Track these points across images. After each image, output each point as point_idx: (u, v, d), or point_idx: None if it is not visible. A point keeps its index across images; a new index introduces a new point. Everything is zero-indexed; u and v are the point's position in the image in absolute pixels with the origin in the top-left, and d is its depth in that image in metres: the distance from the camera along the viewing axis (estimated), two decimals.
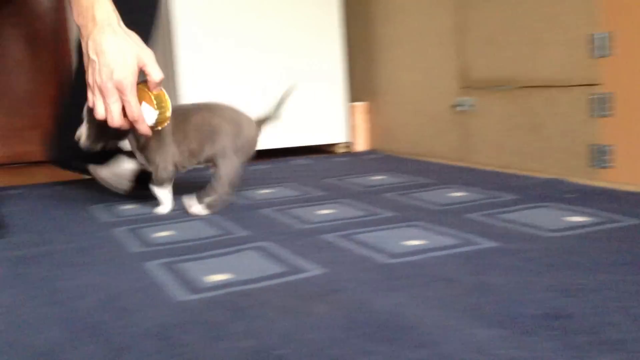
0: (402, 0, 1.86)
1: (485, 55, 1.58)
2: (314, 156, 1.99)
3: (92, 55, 1.00)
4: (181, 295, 0.72)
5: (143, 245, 0.96)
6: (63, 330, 0.62)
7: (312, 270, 0.79)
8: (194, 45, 1.85)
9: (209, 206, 1.17)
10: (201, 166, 1.22)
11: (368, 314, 0.63)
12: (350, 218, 1.09)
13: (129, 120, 1.03)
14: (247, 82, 1.93)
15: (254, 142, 1.22)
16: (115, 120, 1.01)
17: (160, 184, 1.18)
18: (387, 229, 1.00)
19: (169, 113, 1.09)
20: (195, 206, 1.17)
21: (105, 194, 1.41)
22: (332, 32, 2.00)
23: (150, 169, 1.18)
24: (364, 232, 0.98)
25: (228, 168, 1.17)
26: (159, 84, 1.06)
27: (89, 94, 1.03)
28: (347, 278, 0.75)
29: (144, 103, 1.05)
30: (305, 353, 0.55)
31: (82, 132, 1.11)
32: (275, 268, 0.81)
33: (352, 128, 2.10)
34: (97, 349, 0.58)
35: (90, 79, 1.01)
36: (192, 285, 0.75)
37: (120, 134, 1.11)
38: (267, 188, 1.43)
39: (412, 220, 1.05)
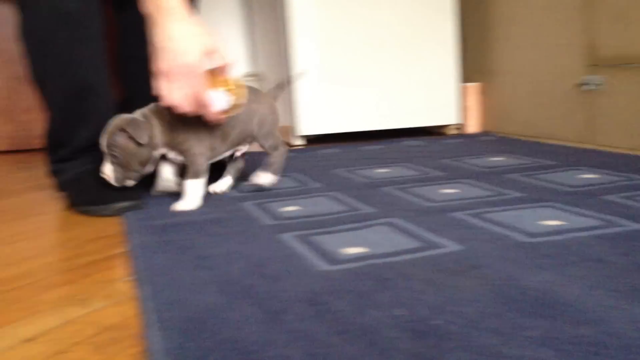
0: None
1: (615, 31, 1.49)
2: (425, 138, 1.96)
3: (161, 42, 1.00)
4: (322, 265, 0.73)
5: (273, 218, 0.99)
6: (218, 293, 0.65)
7: (449, 246, 0.78)
8: (305, 20, 1.86)
9: (275, 172, 1.20)
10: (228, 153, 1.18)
11: (518, 290, 0.62)
12: (477, 197, 1.07)
13: (197, 106, 1.02)
14: (358, 59, 1.92)
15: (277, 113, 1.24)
16: (185, 106, 1.01)
17: (197, 174, 1.08)
18: (519, 208, 0.97)
19: (243, 100, 1.08)
20: (263, 176, 1.20)
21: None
22: (445, 10, 1.96)
23: (186, 160, 1.09)
24: (495, 211, 0.96)
25: (275, 140, 1.20)
26: (228, 69, 1.05)
27: (157, 82, 1.02)
28: (487, 255, 0.74)
29: (218, 89, 1.03)
30: (463, 324, 0.55)
31: (108, 171, 1.05)
32: (410, 243, 0.81)
33: (463, 109, 2.05)
34: (254, 311, 0.60)
35: (158, 66, 1.01)
36: (330, 257, 0.76)
37: (144, 160, 1.06)
38: (383, 167, 1.43)
39: (544, 201, 1.01)
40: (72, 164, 1.18)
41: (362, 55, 1.91)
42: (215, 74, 1.04)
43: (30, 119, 2.24)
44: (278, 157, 1.20)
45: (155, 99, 1.06)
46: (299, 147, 1.89)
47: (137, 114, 1.06)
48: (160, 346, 0.53)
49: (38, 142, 2.25)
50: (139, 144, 1.02)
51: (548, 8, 1.69)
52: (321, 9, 1.86)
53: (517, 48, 1.84)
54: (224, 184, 1.22)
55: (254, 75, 2.28)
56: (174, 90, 1.00)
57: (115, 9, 1.35)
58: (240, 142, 1.18)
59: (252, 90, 1.18)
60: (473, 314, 0.57)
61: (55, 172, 1.21)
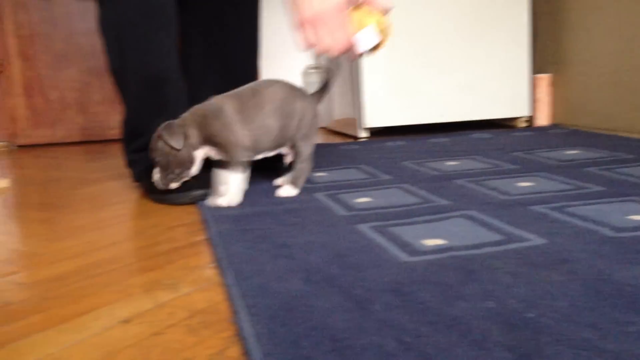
0: None
1: None
2: (492, 130, 1.92)
3: None
4: (404, 256, 0.73)
5: (347, 209, 0.99)
6: (302, 281, 0.66)
7: (533, 240, 0.77)
8: None
9: (295, 185, 1.11)
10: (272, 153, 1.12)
11: (612, 285, 0.60)
12: (556, 191, 1.04)
13: (347, 47, 1.02)
14: (426, 50, 1.90)
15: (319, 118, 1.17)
16: (336, 49, 1.01)
17: (236, 167, 1.04)
18: (602, 203, 0.94)
19: (388, 36, 1.05)
20: (284, 188, 1.11)
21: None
22: (519, 3, 1.91)
23: (227, 155, 1.04)
24: (576, 205, 0.93)
25: (309, 149, 1.12)
26: (372, 5, 1.03)
27: (303, 32, 1.01)
28: (574, 249, 0.72)
29: (365, 27, 1.02)
30: (557, 318, 0.53)
31: (155, 175, 1.06)
32: (491, 236, 0.79)
33: (534, 101, 2.00)
34: (340, 300, 0.60)
35: (303, 16, 1.00)
36: (410, 248, 0.76)
37: (184, 161, 1.04)
38: (452, 160, 1.41)
39: (627, 195, 0.98)
40: (147, 154, 1.21)
41: (430, 46, 1.89)
42: (360, 11, 1.02)
43: (102, 111, 2.32)
44: (304, 169, 1.12)
45: (208, 95, 1.08)
46: (363, 140, 1.88)
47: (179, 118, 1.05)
48: (252, 331, 0.54)
49: (109, 133, 2.32)
50: (175, 148, 1.01)
51: None
52: None
53: (593, 37, 1.78)
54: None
55: (317, 67, 2.28)
56: (323, 36, 1.00)
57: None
58: (283, 142, 1.11)
59: (296, 89, 1.13)
60: (567, 308, 0.56)
61: (131, 163, 1.24)
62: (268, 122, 1.06)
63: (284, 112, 1.08)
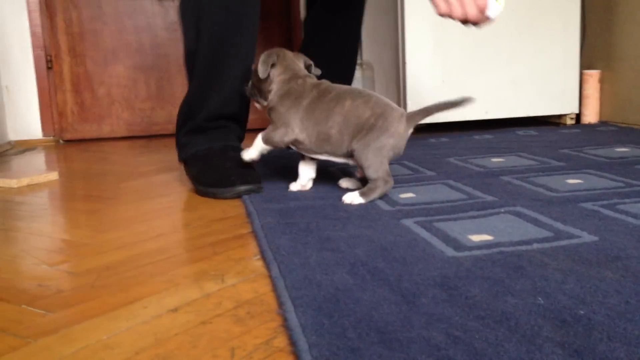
0: None
1: None
2: (537, 127, 1.88)
3: None
4: (450, 251, 0.72)
5: (390, 204, 0.98)
6: (348, 274, 0.66)
7: (583, 237, 0.75)
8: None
9: (362, 194, 1.00)
10: (339, 161, 1.05)
11: None
12: (605, 188, 1.01)
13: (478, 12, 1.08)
14: (472, 45, 1.87)
15: (402, 140, 1.02)
16: (470, 14, 1.07)
17: (266, 141, 1.06)
18: None
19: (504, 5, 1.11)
20: (350, 194, 1.01)
21: None
22: None
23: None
24: (627, 202, 0.91)
25: (369, 162, 1.00)
26: None
27: (441, 5, 1.08)
28: (626, 246, 0.70)
29: None
30: (609, 316, 0.52)
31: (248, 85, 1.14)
32: (539, 232, 0.78)
33: (582, 98, 1.95)
34: (386, 293, 0.60)
35: None
36: (457, 243, 0.75)
37: (263, 90, 1.09)
38: (497, 157, 1.39)
39: None
40: (199, 139, 1.23)
41: (476, 41, 1.86)
42: None
43: (147, 107, 2.36)
44: (377, 187, 1.01)
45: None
46: None
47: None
48: (298, 322, 0.55)
49: (154, 129, 2.36)
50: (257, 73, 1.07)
51: None
52: None
53: None
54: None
55: (359, 64, 2.28)
56: (456, 6, 1.07)
57: None
58: (348, 154, 1.03)
59: (386, 104, 1.02)
60: (619, 305, 0.54)
61: (182, 145, 1.27)
62: (332, 132, 1.02)
63: (350, 124, 1.01)
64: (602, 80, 1.93)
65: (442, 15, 1.10)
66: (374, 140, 1.00)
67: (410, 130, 1.04)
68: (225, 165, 1.14)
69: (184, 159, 1.26)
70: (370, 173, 1.00)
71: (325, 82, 1.09)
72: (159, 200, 1.13)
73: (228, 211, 1.02)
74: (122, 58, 2.32)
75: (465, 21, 1.10)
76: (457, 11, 1.08)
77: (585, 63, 1.97)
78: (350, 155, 1.03)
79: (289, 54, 1.12)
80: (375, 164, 1.00)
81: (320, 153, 1.05)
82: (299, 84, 1.06)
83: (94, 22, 2.28)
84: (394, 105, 1.05)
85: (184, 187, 1.25)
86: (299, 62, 1.12)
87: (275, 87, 1.08)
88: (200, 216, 0.99)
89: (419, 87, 1.86)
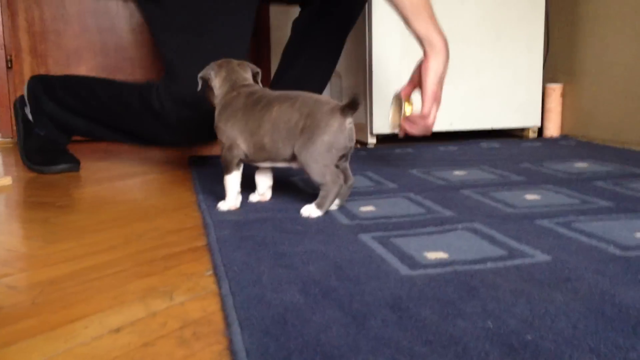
0: None
1: None
2: (500, 140, 1.90)
3: (442, 43, 1.23)
4: (404, 269, 0.71)
5: (350, 218, 0.98)
6: (299, 293, 0.65)
7: (536, 256, 0.75)
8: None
9: (318, 206, 0.98)
10: (284, 166, 1.03)
11: (615, 307, 0.58)
12: (562, 205, 1.02)
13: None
14: None
15: (339, 134, 0.96)
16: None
17: (225, 168, 1.03)
18: (609, 219, 0.92)
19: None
20: (307, 207, 0.99)
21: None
22: (535, 6, 1.89)
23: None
24: (583, 220, 0.92)
25: (311, 167, 0.96)
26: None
27: (438, 87, 1.23)
28: (578, 267, 0.70)
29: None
30: (557, 341, 0.52)
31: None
32: (494, 250, 0.78)
33: (544, 111, 1.98)
34: (337, 314, 0.59)
35: (438, 87, 1.23)
36: (412, 261, 0.74)
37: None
38: (459, 170, 1.39)
39: (637, 212, 0.96)
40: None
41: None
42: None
43: None
44: (328, 192, 0.98)
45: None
46: (371, 146, 1.87)
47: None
48: (242, 345, 0.53)
49: None
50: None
51: None
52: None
53: (607, 48, 1.76)
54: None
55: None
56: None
57: None
58: (289, 159, 1.01)
59: (316, 102, 0.98)
60: (567, 330, 0.54)
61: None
62: (265, 141, 0.99)
63: (283, 132, 0.98)
64: (564, 94, 1.96)
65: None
66: (308, 142, 0.95)
67: (349, 121, 0.96)
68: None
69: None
70: (317, 178, 0.97)
71: (259, 91, 1.04)
72: (115, 209, 1.11)
73: (185, 222, 1.00)
74: (86, 59, 2.27)
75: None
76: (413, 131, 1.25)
77: (548, 76, 2.00)
78: (292, 159, 0.99)
79: (233, 64, 1.09)
80: (318, 167, 0.95)
81: (262, 161, 1.03)
82: (234, 96, 1.04)
83: (56, 22, 2.23)
84: (325, 99, 0.99)
85: (141, 195, 1.22)
86: (244, 72, 1.09)
87: (216, 101, 1.08)
88: (155, 227, 0.97)
89: (386, 96, 1.86)
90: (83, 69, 2.27)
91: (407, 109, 1.26)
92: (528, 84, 1.92)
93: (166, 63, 1.36)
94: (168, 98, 1.35)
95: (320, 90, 1.57)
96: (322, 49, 1.56)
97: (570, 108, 1.93)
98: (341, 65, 2.14)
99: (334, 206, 1.02)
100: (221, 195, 1.14)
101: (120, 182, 1.39)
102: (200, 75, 1.07)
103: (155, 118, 1.39)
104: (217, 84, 1.08)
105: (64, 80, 1.55)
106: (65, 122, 1.55)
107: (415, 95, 1.30)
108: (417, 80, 1.26)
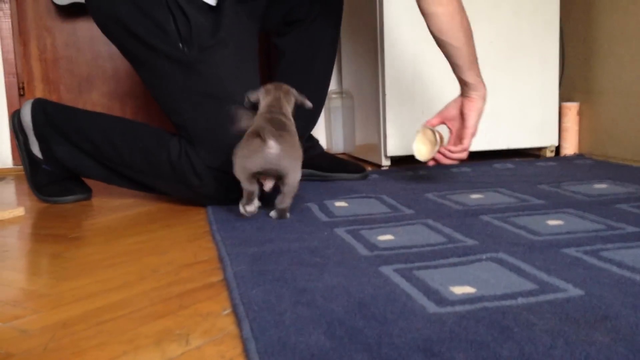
0: None
1: None
2: (517, 159, 1.87)
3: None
4: (432, 306, 0.68)
5: (369, 248, 0.95)
6: (325, 335, 0.62)
7: (569, 290, 0.72)
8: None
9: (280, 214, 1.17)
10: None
11: None
12: (587, 231, 0.99)
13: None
14: (451, 76, 1.86)
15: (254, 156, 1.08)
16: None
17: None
18: (638, 246, 0.89)
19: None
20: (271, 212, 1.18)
21: (316, 193, 1.43)
22: (549, 25, 1.86)
23: None
24: (611, 248, 0.88)
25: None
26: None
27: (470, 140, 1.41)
28: (614, 302, 0.67)
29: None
30: None
31: None
32: (523, 284, 0.75)
33: (561, 130, 1.95)
34: (365, 359, 0.56)
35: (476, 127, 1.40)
36: (439, 297, 0.71)
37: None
38: (477, 193, 1.37)
39: None
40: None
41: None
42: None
43: None
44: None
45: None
46: (385, 168, 1.84)
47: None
48: None
49: None
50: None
51: None
52: (414, 24, 1.80)
53: (623, 66, 1.73)
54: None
55: (339, 93, 2.26)
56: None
57: (276, 35, 1.56)
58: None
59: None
60: None
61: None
62: None
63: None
64: (580, 113, 1.93)
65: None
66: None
67: (269, 146, 1.07)
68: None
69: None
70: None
71: (258, 122, 1.13)
72: (128, 241, 1.08)
73: (200, 254, 0.97)
74: (97, 85, 2.27)
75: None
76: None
77: (565, 95, 1.97)
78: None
79: (280, 92, 1.20)
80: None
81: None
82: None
83: (68, 49, 2.23)
84: (262, 125, 1.08)
85: (155, 225, 1.20)
86: (287, 102, 1.20)
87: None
88: (169, 260, 0.94)
89: (399, 117, 1.84)
90: (95, 95, 2.26)
91: (440, 141, 1.40)
92: (544, 103, 1.89)
93: (195, 131, 1.27)
94: (206, 171, 1.27)
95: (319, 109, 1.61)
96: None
97: (588, 127, 1.90)
98: (353, 86, 2.13)
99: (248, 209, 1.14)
100: (235, 224, 1.12)
101: (134, 210, 1.37)
102: (250, 97, 1.20)
103: (192, 190, 1.31)
104: (261, 108, 1.18)
105: (70, 120, 1.42)
106: (79, 170, 1.45)
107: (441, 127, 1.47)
108: (449, 116, 1.45)
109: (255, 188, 1.13)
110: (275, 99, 1.19)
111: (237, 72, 1.32)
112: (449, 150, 1.40)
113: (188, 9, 1.25)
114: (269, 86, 1.22)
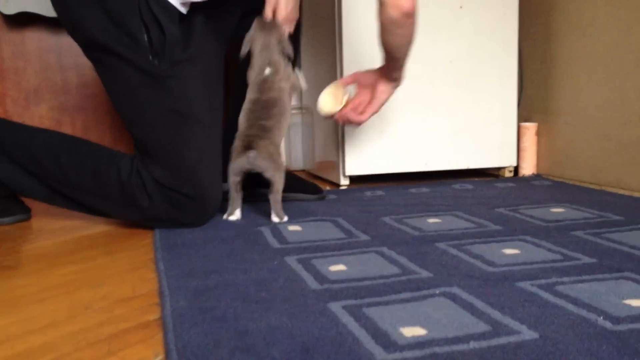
0: (591, 13, 1.68)
1: None
2: (476, 180, 1.86)
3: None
4: (379, 352, 0.64)
5: (319, 280, 0.90)
6: None
7: (522, 332, 0.69)
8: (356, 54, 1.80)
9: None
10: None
11: None
12: (543, 262, 0.96)
13: None
14: (410, 95, 1.84)
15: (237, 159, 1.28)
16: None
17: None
18: (594, 280, 0.87)
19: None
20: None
21: (269, 216, 1.38)
22: (507, 45, 1.86)
23: None
24: (567, 282, 0.86)
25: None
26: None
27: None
28: (570, 347, 0.64)
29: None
30: None
31: None
32: (476, 325, 0.71)
33: (519, 150, 1.94)
34: None
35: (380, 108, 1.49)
36: (387, 340, 0.67)
37: None
38: (434, 217, 1.34)
39: (620, 271, 0.90)
40: None
41: (415, 91, 1.82)
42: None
43: None
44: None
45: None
46: (343, 187, 1.81)
47: None
48: None
49: None
50: None
51: (622, 47, 1.58)
52: (374, 43, 1.77)
53: (581, 88, 1.73)
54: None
55: (299, 108, 2.22)
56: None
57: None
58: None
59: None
60: None
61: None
62: None
63: None
64: (539, 134, 1.93)
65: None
66: None
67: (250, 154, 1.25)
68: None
69: None
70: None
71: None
72: (64, 270, 1.02)
73: (138, 287, 0.91)
74: (46, 98, 2.18)
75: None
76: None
77: (523, 115, 1.97)
78: None
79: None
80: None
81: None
82: None
83: (15, 60, 2.14)
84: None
85: (95, 251, 1.13)
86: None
87: None
88: (105, 294, 0.88)
89: (358, 137, 1.81)
90: (44, 109, 2.17)
91: (345, 104, 1.48)
92: (503, 123, 1.89)
93: (154, 146, 1.22)
94: (157, 191, 1.22)
95: None
96: None
97: (546, 147, 1.90)
98: (313, 102, 2.09)
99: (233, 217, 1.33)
100: (182, 250, 1.07)
101: (75, 233, 1.29)
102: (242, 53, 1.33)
103: (140, 213, 1.26)
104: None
105: (13, 137, 1.32)
106: (20, 190, 1.37)
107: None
108: (363, 82, 1.49)
109: (239, 197, 1.31)
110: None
111: (204, 91, 1.28)
112: (348, 116, 1.48)
113: (162, 17, 1.19)
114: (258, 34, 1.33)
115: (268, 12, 1.32)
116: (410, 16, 1.25)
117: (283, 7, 1.31)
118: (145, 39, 1.19)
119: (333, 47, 1.83)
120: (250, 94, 1.32)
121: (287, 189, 1.56)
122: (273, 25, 1.32)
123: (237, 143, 1.27)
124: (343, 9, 1.75)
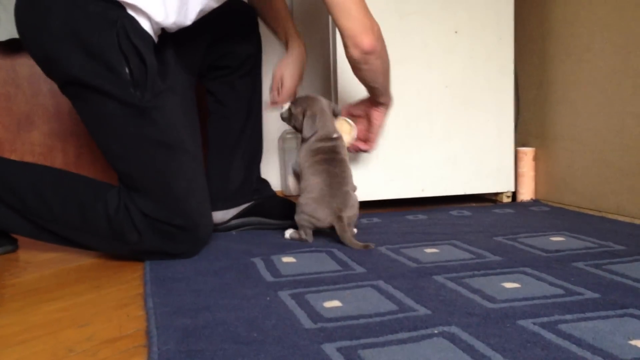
0: (588, 38, 1.66)
1: None
2: (473, 205, 1.83)
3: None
4: None
5: (313, 318, 0.87)
6: None
7: None
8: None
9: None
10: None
11: None
12: (544, 297, 0.93)
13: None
14: (406, 121, 1.82)
15: None
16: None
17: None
18: (597, 317, 0.84)
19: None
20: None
21: (263, 246, 1.35)
22: (504, 70, 1.85)
23: None
24: (569, 320, 0.83)
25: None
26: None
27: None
28: None
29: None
30: None
31: None
32: None
33: (517, 176, 1.92)
34: None
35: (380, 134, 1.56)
36: None
37: None
38: (432, 247, 1.31)
39: (626, 307, 0.87)
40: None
41: (411, 117, 1.80)
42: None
43: None
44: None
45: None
46: None
47: None
48: None
49: None
50: None
51: (620, 72, 1.57)
52: None
53: (579, 113, 1.72)
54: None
55: (294, 133, 2.20)
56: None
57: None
58: None
59: None
60: None
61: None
62: None
63: None
64: (536, 159, 1.90)
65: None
66: None
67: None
68: None
69: None
70: None
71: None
72: (49, 308, 0.98)
73: (125, 327, 0.88)
74: (38, 124, 2.16)
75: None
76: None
77: (520, 140, 1.95)
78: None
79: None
80: None
81: None
82: None
83: (6, 86, 2.12)
84: None
85: (82, 286, 1.10)
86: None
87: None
88: (90, 335, 0.85)
89: (353, 163, 1.78)
90: (36, 134, 2.15)
91: (354, 132, 1.52)
92: (500, 148, 1.87)
93: (142, 179, 1.20)
94: (146, 225, 1.20)
95: None
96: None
97: (544, 172, 1.88)
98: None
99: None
100: (172, 285, 1.03)
101: (63, 265, 1.26)
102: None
103: (129, 247, 1.23)
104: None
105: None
106: (4, 227, 1.32)
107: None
108: (355, 114, 1.53)
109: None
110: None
111: (185, 120, 1.27)
112: (359, 146, 1.56)
113: (141, 46, 1.16)
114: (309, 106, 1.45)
115: (274, 94, 1.55)
116: (372, 53, 1.27)
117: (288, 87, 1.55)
118: (127, 70, 1.16)
119: (328, 75, 1.81)
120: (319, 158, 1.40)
121: (281, 216, 1.54)
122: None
123: (327, 212, 1.33)
124: (338, 34, 1.73)
